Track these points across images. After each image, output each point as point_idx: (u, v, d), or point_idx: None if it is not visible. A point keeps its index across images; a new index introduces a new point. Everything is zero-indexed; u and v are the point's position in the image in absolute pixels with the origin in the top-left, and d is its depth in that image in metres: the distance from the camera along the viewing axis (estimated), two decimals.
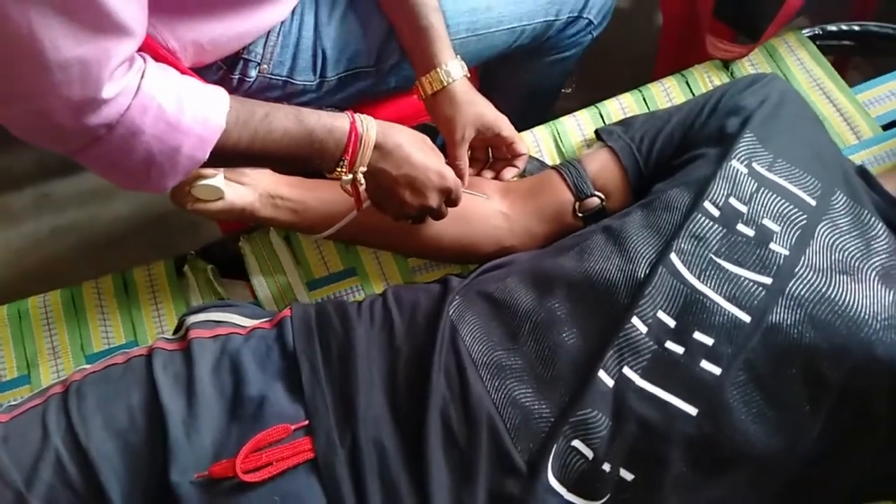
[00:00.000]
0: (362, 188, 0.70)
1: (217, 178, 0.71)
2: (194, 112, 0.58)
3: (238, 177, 0.75)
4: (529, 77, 1.00)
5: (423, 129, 0.75)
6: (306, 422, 0.59)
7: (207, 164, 0.62)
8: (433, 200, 0.70)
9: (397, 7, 0.79)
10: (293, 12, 0.79)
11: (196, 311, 0.69)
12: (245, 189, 0.75)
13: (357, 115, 0.66)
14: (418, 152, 0.69)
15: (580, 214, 0.76)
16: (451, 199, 0.73)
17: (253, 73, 0.79)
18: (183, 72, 0.63)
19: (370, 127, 0.66)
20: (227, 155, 0.63)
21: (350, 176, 0.66)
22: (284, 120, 0.63)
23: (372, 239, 0.80)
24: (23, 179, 1.47)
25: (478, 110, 0.77)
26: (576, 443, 0.57)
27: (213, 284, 0.81)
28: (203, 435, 0.59)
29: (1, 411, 0.63)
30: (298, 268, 0.82)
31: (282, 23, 0.78)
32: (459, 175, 0.76)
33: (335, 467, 0.57)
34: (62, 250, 1.38)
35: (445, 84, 0.76)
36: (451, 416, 0.58)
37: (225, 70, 0.78)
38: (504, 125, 0.79)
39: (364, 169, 0.66)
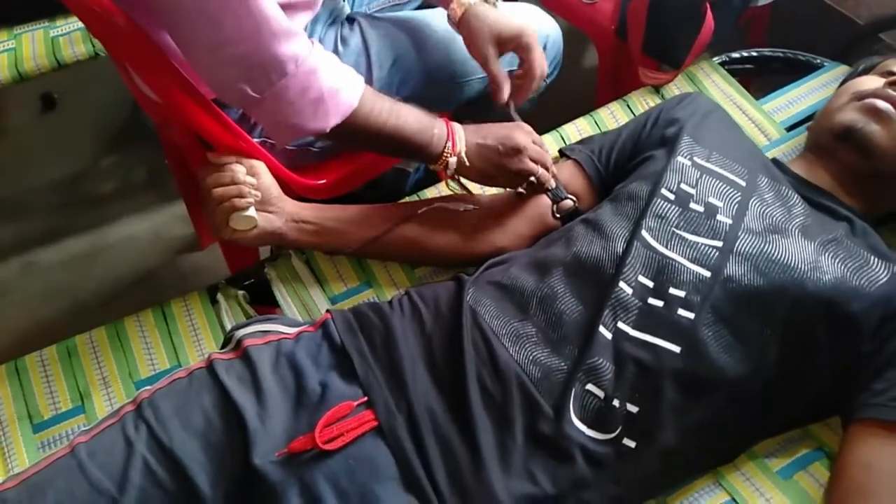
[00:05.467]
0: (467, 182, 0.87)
1: (250, 210, 0.82)
2: (347, 67, 0.76)
3: (266, 206, 0.86)
4: (496, 117, 1.16)
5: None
6: (365, 398, 0.69)
7: (349, 140, 0.81)
8: (523, 141, 0.84)
9: None
10: None
11: (242, 326, 0.79)
12: (273, 216, 0.86)
13: (443, 117, 0.83)
14: (487, 129, 0.85)
15: (558, 215, 0.91)
16: (532, 154, 0.85)
17: None
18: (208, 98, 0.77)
19: (457, 125, 0.84)
20: (370, 127, 0.78)
21: (455, 159, 0.82)
22: (408, 110, 0.81)
23: (387, 252, 0.92)
24: (7, 250, 1.51)
25: (495, 24, 0.86)
26: (589, 386, 0.69)
27: (244, 308, 0.91)
28: (275, 423, 0.68)
29: (77, 434, 0.69)
30: (320, 286, 0.92)
31: None
32: (496, 84, 0.88)
33: (397, 430, 0.67)
34: (55, 314, 1.42)
35: (467, 6, 0.88)
36: (486, 379, 0.70)
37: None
38: (525, 35, 0.87)
39: (464, 148, 0.82)
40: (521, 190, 0.90)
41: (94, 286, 1.45)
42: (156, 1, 0.68)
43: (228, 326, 0.89)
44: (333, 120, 0.76)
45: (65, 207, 1.60)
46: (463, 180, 0.91)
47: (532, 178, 0.86)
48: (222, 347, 0.79)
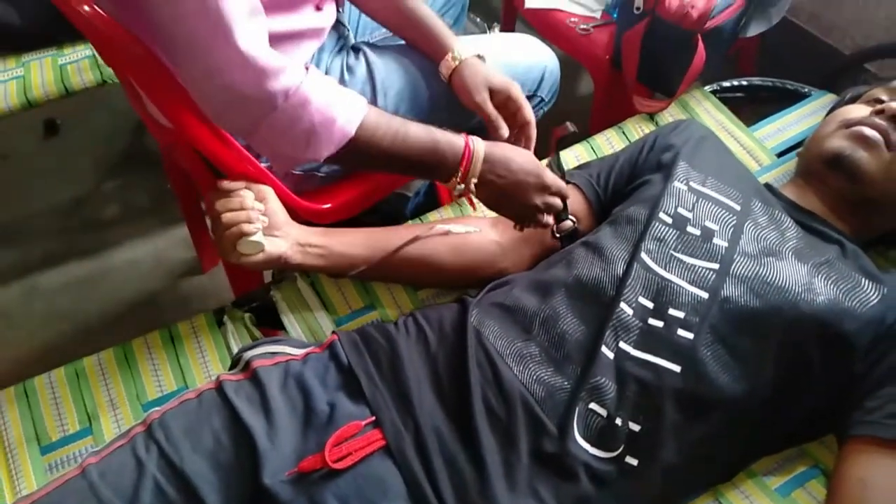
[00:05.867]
0: (474, 198, 0.85)
1: (258, 235, 0.84)
2: (348, 94, 0.75)
3: (273, 231, 0.87)
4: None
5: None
6: (372, 418, 0.70)
7: (356, 165, 0.76)
8: (536, 199, 0.84)
9: (389, 13, 0.97)
10: None
11: (250, 348, 0.80)
12: (280, 241, 0.87)
13: (469, 136, 0.82)
14: (517, 161, 0.83)
15: (558, 235, 0.93)
16: (554, 192, 0.85)
17: None
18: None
19: (479, 146, 0.82)
20: (371, 150, 0.78)
21: (462, 186, 0.81)
22: (418, 129, 0.80)
23: (391, 275, 0.94)
24: (9, 274, 1.52)
25: (487, 76, 0.92)
26: (592, 405, 0.71)
27: (250, 330, 0.92)
28: (284, 443, 0.69)
29: (87, 456, 0.70)
30: (325, 308, 0.94)
31: None
32: (493, 125, 0.90)
33: (405, 449, 0.68)
34: (57, 337, 1.42)
35: (459, 61, 0.92)
36: (491, 399, 0.72)
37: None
38: (513, 88, 0.92)
39: (475, 180, 0.81)
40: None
41: (96, 310, 1.46)
42: (154, 21, 0.70)
43: (235, 348, 0.91)
44: (327, 150, 0.78)
45: (66, 232, 1.62)
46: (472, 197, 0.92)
47: (542, 217, 0.86)
48: (230, 369, 0.80)
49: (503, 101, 0.94)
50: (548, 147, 0.95)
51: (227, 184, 0.84)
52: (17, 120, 1.26)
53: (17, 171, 1.75)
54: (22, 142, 1.78)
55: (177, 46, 0.69)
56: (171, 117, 0.78)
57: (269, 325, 0.94)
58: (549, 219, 0.88)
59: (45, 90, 1.24)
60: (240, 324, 0.92)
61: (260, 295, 0.95)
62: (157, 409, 0.74)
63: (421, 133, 0.82)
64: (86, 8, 0.65)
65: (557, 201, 0.87)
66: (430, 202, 1.35)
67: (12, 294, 1.50)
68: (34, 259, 1.54)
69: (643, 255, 0.78)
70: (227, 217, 0.82)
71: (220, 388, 0.73)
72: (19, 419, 0.83)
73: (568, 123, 0.90)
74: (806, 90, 1.18)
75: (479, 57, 0.96)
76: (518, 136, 0.95)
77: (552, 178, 0.86)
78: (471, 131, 1.01)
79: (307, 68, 0.75)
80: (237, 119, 0.74)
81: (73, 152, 1.78)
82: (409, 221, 1.03)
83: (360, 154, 0.80)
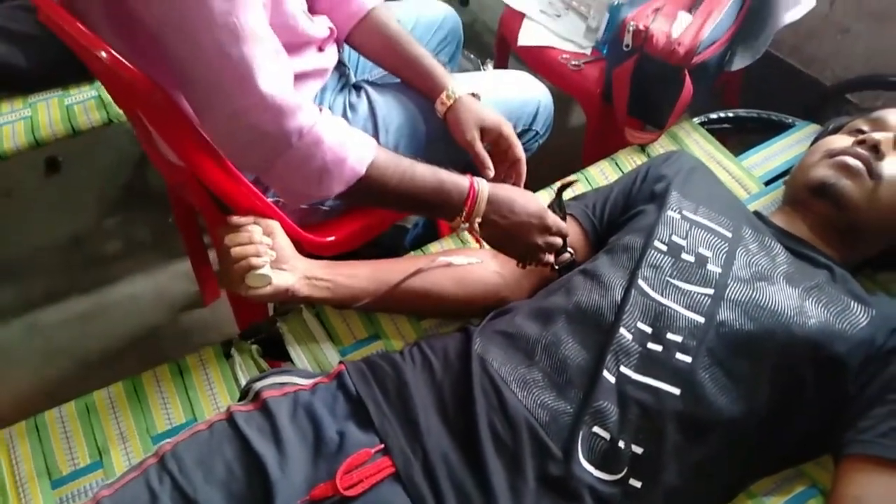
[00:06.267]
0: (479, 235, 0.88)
1: (266, 268, 0.87)
2: (358, 134, 0.79)
3: (281, 264, 0.90)
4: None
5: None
6: (381, 445, 0.72)
7: (364, 202, 0.82)
8: (538, 239, 0.87)
9: (386, 54, 1.01)
10: None
11: (259, 379, 0.82)
12: (287, 274, 0.90)
13: (474, 178, 0.85)
14: (521, 202, 0.87)
15: (556, 267, 0.96)
16: (555, 233, 0.88)
17: None
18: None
19: (484, 187, 0.85)
20: (380, 189, 0.82)
21: (466, 224, 0.84)
22: (424, 170, 0.83)
23: (394, 305, 0.96)
24: (9, 311, 1.53)
25: (479, 114, 0.97)
26: (595, 429, 0.73)
27: (257, 361, 0.94)
28: (296, 472, 0.70)
29: (100, 488, 0.71)
30: (330, 339, 0.96)
31: None
32: (481, 163, 0.94)
33: (414, 475, 0.70)
34: (58, 373, 1.43)
35: (454, 100, 0.96)
36: (496, 424, 0.73)
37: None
38: (504, 126, 0.97)
39: (479, 220, 0.85)
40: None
41: (97, 345, 1.47)
42: (176, 69, 0.73)
43: (242, 379, 0.92)
44: (338, 188, 0.81)
45: (68, 267, 1.63)
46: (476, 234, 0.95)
47: (543, 256, 0.89)
48: (240, 399, 0.82)
49: (495, 139, 0.98)
50: (543, 179, 0.98)
51: (236, 219, 0.86)
52: (19, 157, 1.28)
53: (19, 208, 1.77)
54: (24, 179, 1.81)
55: (198, 90, 0.73)
56: (182, 156, 0.80)
57: (276, 356, 0.96)
58: (550, 258, 0.91)
59: (52, 129, 1.27)
60: (247, 355, 0.94)
61: (266, 327, 0.97)
62: (168, 440, 0.75)
63: (427, 174, 0.85)
64: (103, 54, 0.68)
65: (558, 240, 0.90)
66: (429, 233, 1.38)
67: (13, 330, 1.51)
68: (35, 295, 1.56)
69: (640, 282, 0.81)
70: (237, 251, 0.84)
71: (230, 418, 0.75)
72: (30, 454, 0.84)
73: (573, 175, 0.93)
74: (790, 121, 1.23)
75: (474, 95, 1.00)
76: (509, 172, 0.99)
77: (553, 220, 0.90)
78: (467, 165, 1.05)
79: (320, 109, 0.78)
80: (253, 157, 0.77)
81: (74, 189, 1.81)
82: (411, 253, 1.06)
83: (369, 192, 0.83)
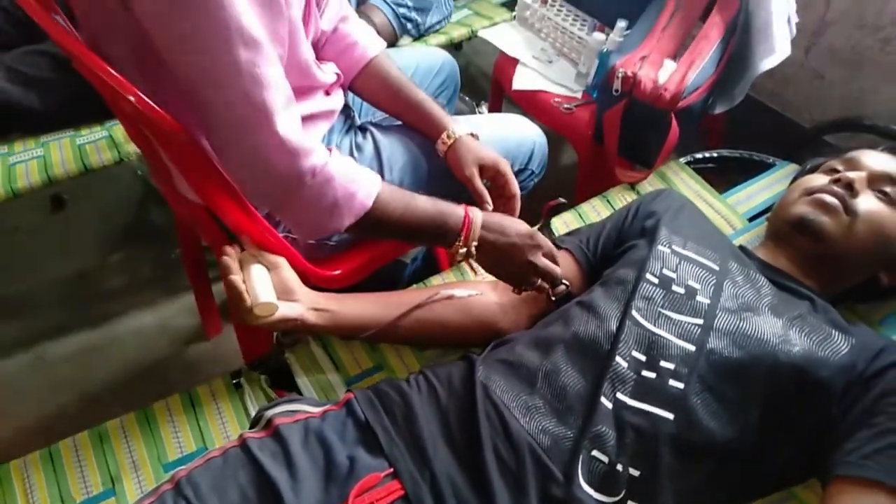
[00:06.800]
0: (476, 264, 0.95)
1: (271, 297, 0.90)
2: (365, 171, 0.85)
3: (289, 296, 0.94)
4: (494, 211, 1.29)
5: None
6: (391, 469, 0.75)
7: (372, 233, 0.88)
8: (530, 256, 0.93)
9: (388, 99, 1.07)
10: None
11: (270, 407, 0.85)
12: (296, 304, 0.93)
13: (468, 206, 0.92)
14: (511, 226, 0.93)
15: (553, 298, 1.00)
16: (547, 252, 0.94)
17: None
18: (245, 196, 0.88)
19: (477, 214, 0.92)
20: (386, 220, 0.87)
21: (465, 249, 0.90)
22: (424, 201, 0.90)
23: (398, 336, 1.00)
24: (15, 345, 1.55)
25: (478, 153, 1.03)
26: (595, 452, 0.77)
27: (265, 391, 0.97)
28: (308, 495, 0.73)
29: None
30: (336, 369, 0.99)
31: None
32: (479, 198, 1.00)
33: (423, 498, 0.73)
34: (63, 407, 1.44)
35: (454, 139, 1.03)
36: (500, 448, 0.77)
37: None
38: (501, 164, 1.03)
39: (476, 243, 0.90)
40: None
41: (101, 379, 1.49)
42: (201, 110, 0.78)
43: (251, 409, 0.95)
44: (347, 221, 0.87)
45: (72, 302, 1.66)
46: (472, 263, 1.00)
47: (537, 280, 0.95)
48: (251, 427, 0.85)
49: (493, 176, 1.04)
50: (539, 214, 1.04)
51: (228, 256, 0.90)
52: (24, 195, 1.33)
53: (25, 244, 1.81)
54: (30, 216, 1.84)
55: (220, 130, 0.78)
56: (201, 192, 0.85)
57: (283, 386, 0.99)
58: (545, 284, 0.96)
59: (65, 168, 1.32)
60: (256, 385, 0.97)
61: (275, 358, 1.00)
62: (183, 467, 0.78)
63: (427, 204, 0.91)
64: (131, 98, 0.73)
65: (548, 262, 0.96)
66: (428, 268, 1.42)
67: (19, 364, 1.52)
68: (40, 329, 1.58)
69: (634, 313, 0.86)
70: (233, 281, 0.88)
71: (244, 445, 0.78)
72: (45, 482, 0.86)
73: (560, 198, 1.00)
74: (770, 160, 1.30)
75: (473, 135, 1.06)
76: (505, 207, 1.05)
77: (543, 239, 0.95)
78: (468, 201, 1.11)
79: (330, 150, 0.84)
80: (270, 193, 0.82)
81: (78, 226, 1.85)
82: (413, 286, 1.10)
83: (376, 224, 0.88)
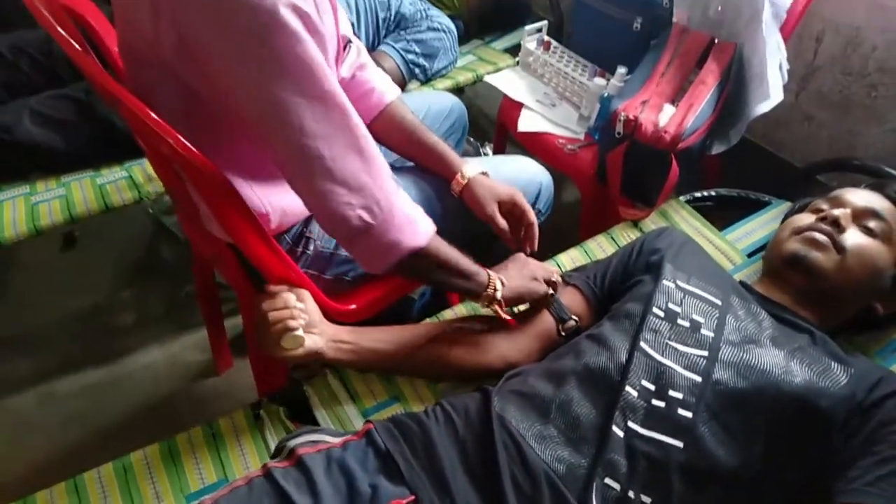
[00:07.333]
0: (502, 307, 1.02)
1: (299, 331, 0.94)
2: (421, 211, 0.92)
3: (311, 329, 0.97)
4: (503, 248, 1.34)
5: None
6: (412, 497, 0.78)
7: (418, 272, 0.95)
8: (545, 273, 1.05)
9: (403, 143, 1.13)
10: None
11: (292, 438, 0.88)
12: (317, 337, 0.97)
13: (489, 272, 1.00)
14: (517, 258, 1.04)
15: (563, 333, 1.04)
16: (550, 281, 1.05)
17: (311, 246, 1.06)
18: (270, 234, 0.93)
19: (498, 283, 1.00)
20: (435, 259, 0.94)
21: (498, 281, 0.98)
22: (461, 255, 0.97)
23: (414, 368, 1.03)
24: (25, 381, 1.57)
25: (494, 190, 1.10)
26: (607, 480, 0.79)
27: (284, 423, 0.99)
28: None
29: None
30: (353, 401, 1.02)
31: None
32: (502, 232, 1.10)
33: None
34: (73, 442, 1.45)
35: (468, 180, 1.10)
36: (517, 476, 0.80)
37: (292, 244, 1.04)
38: (517, 196, 1.11)
39: (501, 279, 0.99)
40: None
41: (112, 414, 1.50)
42: (270, 152, 0.83)
43: (270, 440, 0.98)
44: (422, 240, 0.92)
45: (83, 338, 1.68)
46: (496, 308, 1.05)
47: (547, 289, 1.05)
48: (273, 457, 0.87)
49: (510, 209, 1.10)
50: (545, 253, 1.09)
51: (273, 287, 0.94)
52: (47, 232, 1.36)
53: (37, 281, 1.84)
54: (42, 253, 1.88)
55: (286, 169, 0.84)
56: (228, 228, 0.89)
57: (301, 418, 1.02)
58: (550, 290, 1.06)
59: (87, 207, 1.36)
60: (275, 417, 1.00)
61: (293, 390, 1.03)
62: (208, 496, 0.80)
63: (463, 257, 0.99)
64: (170, 141, 0.78)
65: (549, 273, 1.07)
66: (436, 303, 1.46)
67: (29, 399, 1.54)
68: (51, 365, 1.60)
69: (642, 344, 0.89)
70: (274, 315, 0.92)
71: (268, 474, 0.80)
72: None
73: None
74: (766, 199, 1.35)
75: (484, 173, 1.11)
76: (525, 233, 1.13)
77: (547, 272, 1.07)
78: (476, 237, 1.16)
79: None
80: (359, 216, 0.86)
81: (89, 263, 1.88)
82: (426, 320, 1.14)
83: (427, 260, 0.93)
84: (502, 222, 1.09)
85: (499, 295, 0.99)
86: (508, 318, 1.05)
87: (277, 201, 0.98)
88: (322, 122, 0.79)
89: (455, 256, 0.96)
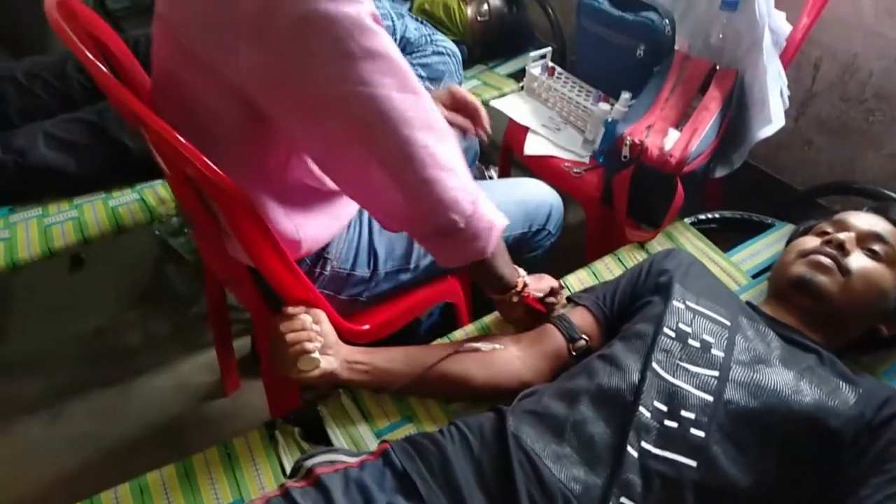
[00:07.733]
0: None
1: (315, 353, 0.95)
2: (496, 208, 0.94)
3: (326, 350, 0.98)
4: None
5: None
6: None
7: (477, 266, 0.99)
8: (553, 281, 1.14)
9: None
10: (353, 224, 1.10)
11: (309, 458, 0.89)
12: (332, 358, 0.98)
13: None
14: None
15: (573, 353, 1.06)
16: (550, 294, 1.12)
17: (328, 267, 1.08)
18: (293, 258, 0.95)
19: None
20: (494, 258, 0.98)
21: (525, 273, 1.08)
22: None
23: (427, 389, 1.04)
24: (33, 403, 1.57)
25: (436, 98, 1.18)
26: (623, 500, 0.80)
27: (299, 443, 1.00)
28: None
29: None
30: (366, 421, 1.03)
31: (348, 229, 1.09)
32: (462, 124, 1.23)
33: None
34: (82, 464, 1.45)
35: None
36: (535, 495, 0.81)
37: (310, 265, 1.06)
38: (452, 88, 1.24)
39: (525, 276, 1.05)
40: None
41: (120, 435, 1.50)
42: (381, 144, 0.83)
43: (285, 460, 0.98)
44: (489, 250, 0.95)
45: (90, 360, 1.69)
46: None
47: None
48: (290, 477, 0.88)
49: (455, 104, 1.22)
50: (555, 273, 1.11)
51: (291, 309, 0.96)
52: (60, 254, 1.37)
53: (44, 303, 1.84)
54: (49, 274, 1.89)
55: (427, 166, 0.84)
56: (249, 249, 0.91)
57: (315, 438, 1.02)
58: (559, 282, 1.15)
59: (99, 229, 1.38)
60: (289, 437, 1.01)
61: (308, 410, 1.04)
62: None
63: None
64: (198, 165, 0.80)
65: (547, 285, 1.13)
66: (443, 323, 1.47)
67: (37, 420, 1.54)
68: (58, 387, 1.60)
69: (654, 365, 0.91)
70: (291, 336, 0.93)
71: (286, 494, 0.81)
72: None
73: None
74: (769, 221, 1.38)
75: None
76: (473, 118, 1.22)
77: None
78: None
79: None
80: (450, 218, 0.88)
81: (96, 285, 1.89)
82: (437, 340, 1.15)
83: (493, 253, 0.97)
84: (460, 119, 1.17)
85: (527, 280, 1.06)
86: (540, 305, 1.10)
87: (311, 230, 1.00)
88: (419, 112, 0.81)
89: (501, 249, 1.01)
